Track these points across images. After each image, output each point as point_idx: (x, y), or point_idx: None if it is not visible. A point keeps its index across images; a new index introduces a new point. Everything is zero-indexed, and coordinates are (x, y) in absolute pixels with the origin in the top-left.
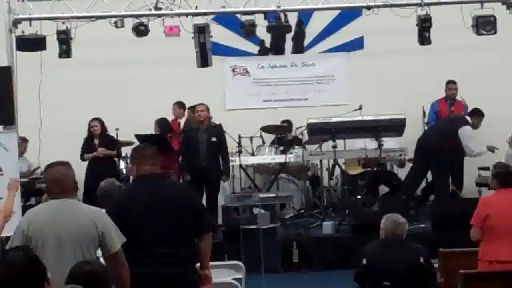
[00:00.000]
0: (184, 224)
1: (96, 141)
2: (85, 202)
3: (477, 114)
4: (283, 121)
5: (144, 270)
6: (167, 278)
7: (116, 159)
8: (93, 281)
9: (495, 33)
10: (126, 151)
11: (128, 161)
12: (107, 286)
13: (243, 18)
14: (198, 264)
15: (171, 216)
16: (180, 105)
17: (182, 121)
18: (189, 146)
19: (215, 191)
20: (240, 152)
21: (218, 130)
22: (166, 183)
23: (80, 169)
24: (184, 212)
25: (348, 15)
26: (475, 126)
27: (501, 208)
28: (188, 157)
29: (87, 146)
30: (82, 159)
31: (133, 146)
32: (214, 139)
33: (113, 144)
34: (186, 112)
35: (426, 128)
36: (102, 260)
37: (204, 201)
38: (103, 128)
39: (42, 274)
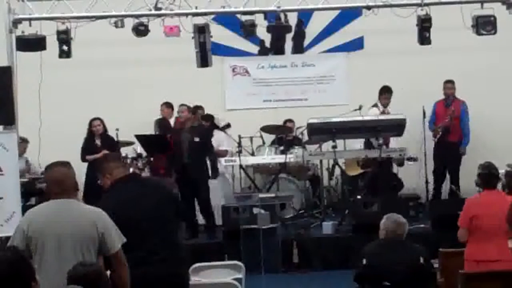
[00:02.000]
0: (177, 223)
1: (98, 141)
2: (85, 202)
3: (385, 91)
4: (287, 120)
5: (144, 270)
6: (166, 278)
7: None
8: (92, 282)
9: (495, 33)
10: (126, 151)
11: (98, 176)
12: (106, 287)
13: (243, 18)
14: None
15: (167, 215)
16: (167, 105)
17: (172, 121)
18: (174, 147)
19: (203, 191)
20: (240, 152)
21: (202, 130)
22: (152, 183)
23: (80, 169)
24: (175, 210)
25: (348, 15)
26: (384, 105)
27: (486, 208)
28: (174, 158)
29: (88, 146)
30: (83, 160)
31: (131, 147)
32: (197, 139)
33: (114, 145)
34: (176, 112)
35: (426, 128)
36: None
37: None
38: (104, 128)
39: (29, 274)
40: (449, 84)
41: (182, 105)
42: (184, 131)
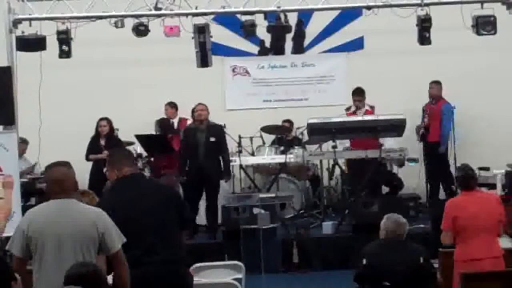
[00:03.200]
0: (177, 224)
1: (102, 142)
2: None
3: (355, 93)
4: (285, 121)
5: (144, 270)
6: (166, 278)
7: None
8: (91, 282)
9: (495, 33)
10: None
11: (106, 167)
12: (106, 287)
13: (243, 18)
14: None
15: (167, 216)
16: (171, 105)
17: (175, 121)
18: (188, 146)
19: (215, 191)
20: (240, 152)
21: (218, 130)
22: (154, 183)
23: (84, 169)
24: (175, 212)
25: (348, 15)
26: (357, 106)
27: (468, 209)
28: (188, 158)
29: (93, 146)
30: (87, 159)
31: (133, 146)
32: (213, 139)
33: (119, 146)
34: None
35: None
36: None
37: (203, 201)
38: (111, 129)
39: (8, 273)
40: (432, 85)
41: (200, 104)
42: (199, 130)
